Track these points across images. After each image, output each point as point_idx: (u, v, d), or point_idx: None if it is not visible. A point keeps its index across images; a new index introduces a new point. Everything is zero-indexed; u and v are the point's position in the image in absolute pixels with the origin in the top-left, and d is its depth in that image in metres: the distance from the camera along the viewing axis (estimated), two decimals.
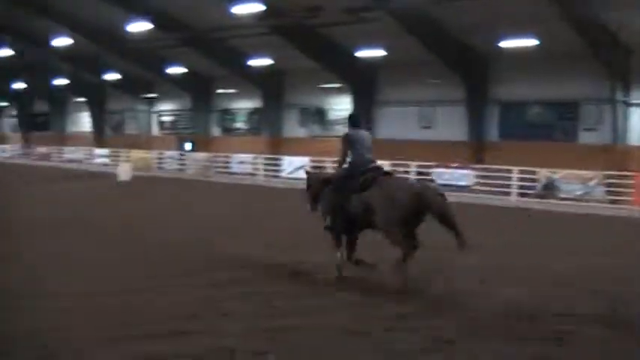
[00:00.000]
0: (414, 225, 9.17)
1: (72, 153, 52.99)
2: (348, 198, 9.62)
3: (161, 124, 49.26)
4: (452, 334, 7.07)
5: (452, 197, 25.14)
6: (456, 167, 28.65)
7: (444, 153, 29.82)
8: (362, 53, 30.33)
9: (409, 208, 8.89)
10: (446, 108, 31.49)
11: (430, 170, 28.93)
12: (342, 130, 34.69)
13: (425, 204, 8.86)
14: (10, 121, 66.96)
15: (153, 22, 31.23)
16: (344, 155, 10.18)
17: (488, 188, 26.96)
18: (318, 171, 10.53)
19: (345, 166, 10.20)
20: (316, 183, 10.69)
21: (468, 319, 7.74)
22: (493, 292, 9.09)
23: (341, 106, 35.64)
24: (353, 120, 10.65)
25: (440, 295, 8.83)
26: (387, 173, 10.26)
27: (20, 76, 52.68)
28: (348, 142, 10.06)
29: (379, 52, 29.73)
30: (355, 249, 9.96)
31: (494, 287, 9.42)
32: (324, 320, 7.46)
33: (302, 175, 32.05)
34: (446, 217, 8.77)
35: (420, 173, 29.03)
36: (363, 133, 10.30)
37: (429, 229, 9.07)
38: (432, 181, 27.88)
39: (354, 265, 9.82)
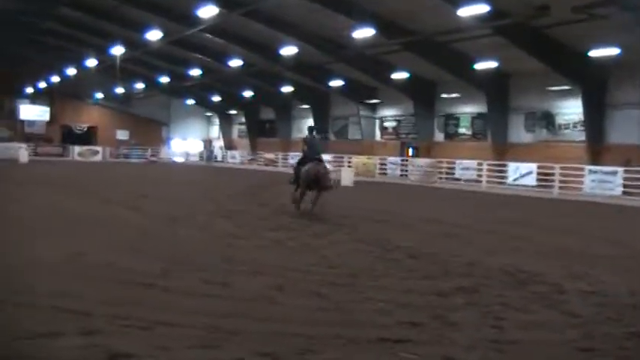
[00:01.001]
0: (314, 187, 17.03)
1: (296, 158, 54.65)
2: (298, 170, 17.50)
3: (384, 129, 49.77)
4: None
5: None
6: None
7: None
8: (594, 53, 28.80)
9: (310, 176, 16.78)
10: None
11: None
12: (571, 134, 33.52)
13: (317, 176, 16.72)
14: (239, 128, 70.59)
15: (377, 28, 31.56)
16: (303, 149, 18.21)
17: None
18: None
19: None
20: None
21: None
22: None
23: (570, 109, 34.19)
24: (311, 130, 18.97)
25: None
26: (319, 160, 17.39)
27: (249, 84, 55.35)
28: (306, 142, 18.03)
29: (613, 51, 28.15)
30: (303, 199, 17.63)
31: None
32: (552, 336, 6.97)
33: (529, 182, 31.54)
34: (321, 186, 16.91)
35: None
36: (316, 138, 18.47)
37: None
38: None
39: (297, 207, 17.65)
